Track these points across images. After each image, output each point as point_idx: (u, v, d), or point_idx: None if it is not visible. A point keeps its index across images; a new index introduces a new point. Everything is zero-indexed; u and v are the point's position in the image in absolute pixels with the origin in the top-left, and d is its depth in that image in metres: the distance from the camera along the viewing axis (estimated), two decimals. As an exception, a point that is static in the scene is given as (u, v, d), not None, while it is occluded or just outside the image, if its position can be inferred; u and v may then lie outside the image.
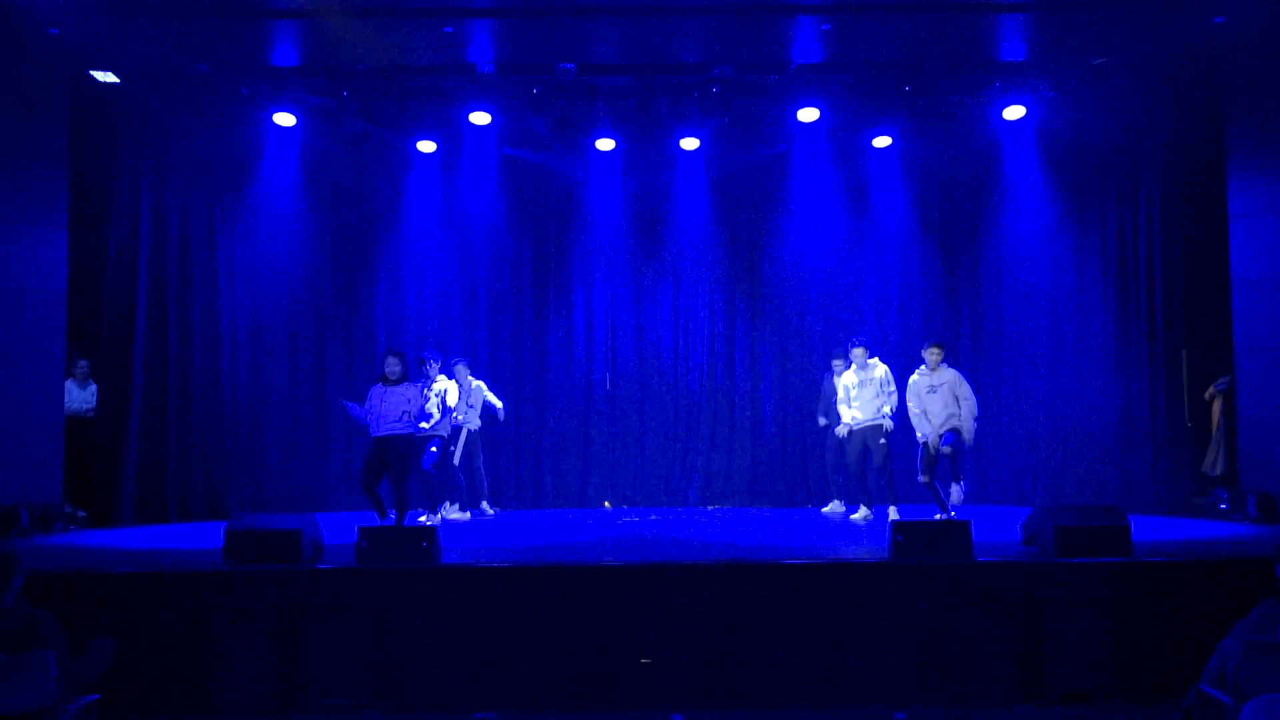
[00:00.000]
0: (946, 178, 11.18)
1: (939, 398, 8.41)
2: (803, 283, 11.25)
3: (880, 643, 5.80)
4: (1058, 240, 10.46)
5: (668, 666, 5.77)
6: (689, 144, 10.70)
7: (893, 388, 9.03)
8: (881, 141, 10.85)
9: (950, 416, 8.37)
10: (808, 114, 10.10)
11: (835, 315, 11.19)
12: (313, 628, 5.77)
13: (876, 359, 9.17)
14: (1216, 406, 9.18)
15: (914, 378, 8.58)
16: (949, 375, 8.49)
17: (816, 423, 10.14)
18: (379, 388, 8.07)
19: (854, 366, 9.07)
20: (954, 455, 8.43)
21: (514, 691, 5.75)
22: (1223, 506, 8.83)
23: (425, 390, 8.71)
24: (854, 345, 9.06)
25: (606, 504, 10.90)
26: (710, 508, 10.77)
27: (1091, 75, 9.42)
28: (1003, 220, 10.90)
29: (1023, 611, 5.83)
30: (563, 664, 5.77)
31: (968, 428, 8.39)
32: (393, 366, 8.06)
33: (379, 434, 7.97)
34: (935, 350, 8.55)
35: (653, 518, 9.61)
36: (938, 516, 8.35)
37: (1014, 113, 10.07)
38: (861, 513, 9.11)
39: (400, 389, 7.99)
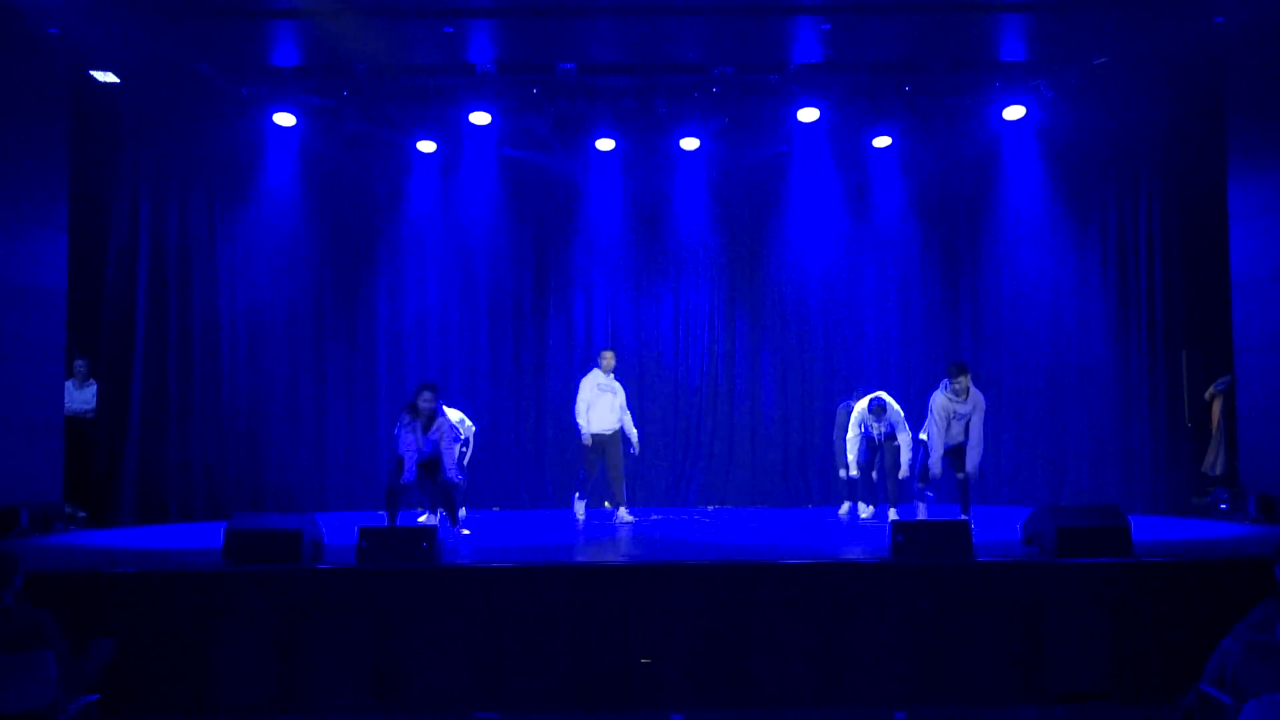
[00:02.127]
0: (947, 178, 11.16)
1: (962, 426, 8.16)
2: (803, 282, 11.23)
3: (880, 643, 5.80)
4: (1058, 240, 10.45)
5: (668, 666, 5.77)
6: (689, 144, 10.69)
7: (908, 431, 8.74)
8: (881, 141, 10.84)
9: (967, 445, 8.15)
10: (808, 114, 10.09)
11: (835, 315, 11.17)
12: (313, 628, 5.77)
13: (885, 407, 8.79)
14: (1216, 406, 9.18)
15: (941, 401, 8.13)
16: (977, 400, 8.17)
17: (814, 422, 10.03)
18: (418, 430, 7.85)
19: (872, 418, 8.81)
20: (965, 482, 8.27)
21: (514, 691, 5.75)
22: (1223, 506, 8.84)
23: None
24: (871, 408, 8.73)
25: (606, 504, 10.88)
26: (710, 508, 10.76)
27: (1091, 75, 9.41)
28: (1003, 220, 10.89)
29: (1023, 611, 5.83)
30: (563, 664, 5.77)
31: (974, 460, 8.18)
32: (428, 401, 7.86)
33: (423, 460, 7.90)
34: (962, 376, 8.08)
35: (654, 517, 9.63)
36: (920, 510, 8.42)
37: (1014, 113, 10.06)
38: (864, 510, 9.16)
39: (432, 432, 7.86)
